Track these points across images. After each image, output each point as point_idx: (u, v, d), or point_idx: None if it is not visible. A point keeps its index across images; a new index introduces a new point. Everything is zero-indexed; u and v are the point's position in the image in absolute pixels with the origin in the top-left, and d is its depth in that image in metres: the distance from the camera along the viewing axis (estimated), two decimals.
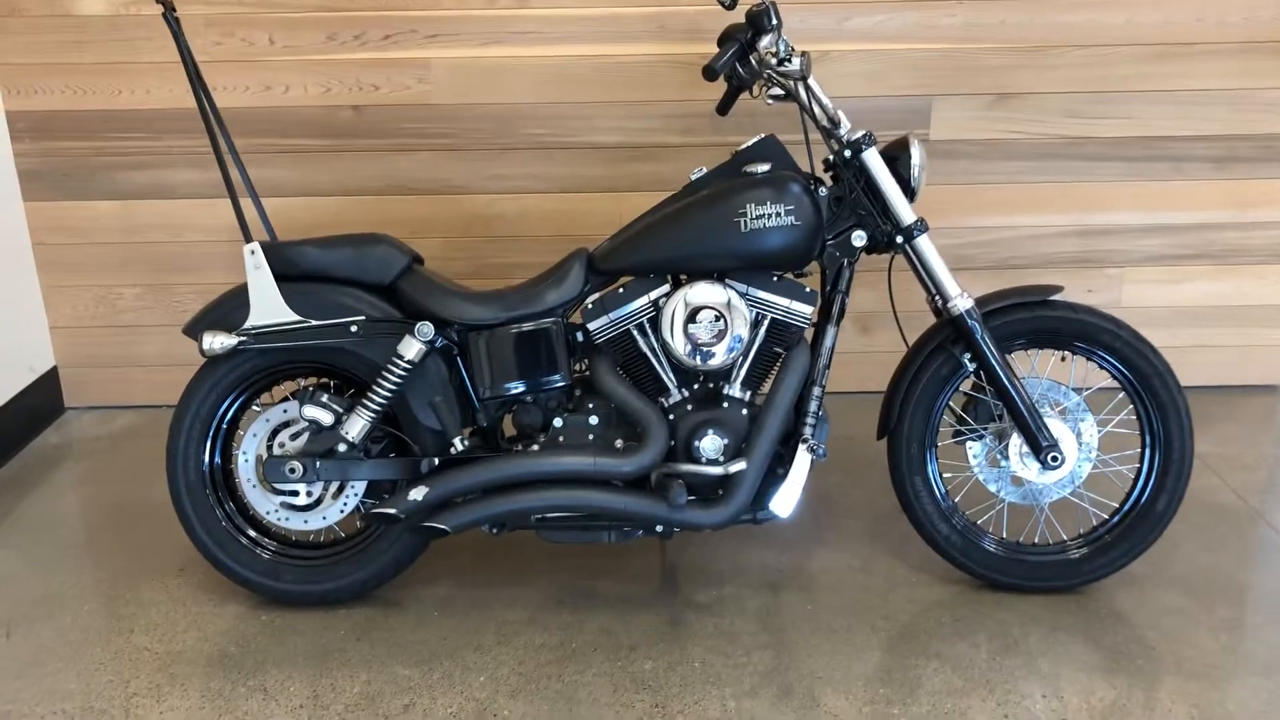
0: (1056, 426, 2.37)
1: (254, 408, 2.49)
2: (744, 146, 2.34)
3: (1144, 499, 2.43)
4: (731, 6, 2.28)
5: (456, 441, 2.36)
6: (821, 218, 2.26)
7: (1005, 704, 2.15)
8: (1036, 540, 2.54)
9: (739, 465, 2.30)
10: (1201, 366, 3.58)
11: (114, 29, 3.23)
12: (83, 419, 3.57)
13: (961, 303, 2.31)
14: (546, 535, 2.41)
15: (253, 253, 2.30)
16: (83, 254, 3.46)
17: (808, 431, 2.33)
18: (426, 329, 2.30)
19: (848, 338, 3.51)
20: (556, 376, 2.37)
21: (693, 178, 2.35)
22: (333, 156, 3.36)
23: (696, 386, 2.37)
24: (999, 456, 2.44)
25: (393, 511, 2.30)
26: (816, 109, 2.29)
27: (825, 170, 2.37)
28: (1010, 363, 2.35)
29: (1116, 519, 2.47)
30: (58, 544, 2.80)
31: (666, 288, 2.32)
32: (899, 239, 2.30)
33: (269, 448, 2.42)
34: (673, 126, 3.33)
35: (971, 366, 2.38)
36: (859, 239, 2.31)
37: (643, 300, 2.31)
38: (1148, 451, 2.43)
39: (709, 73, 2.21)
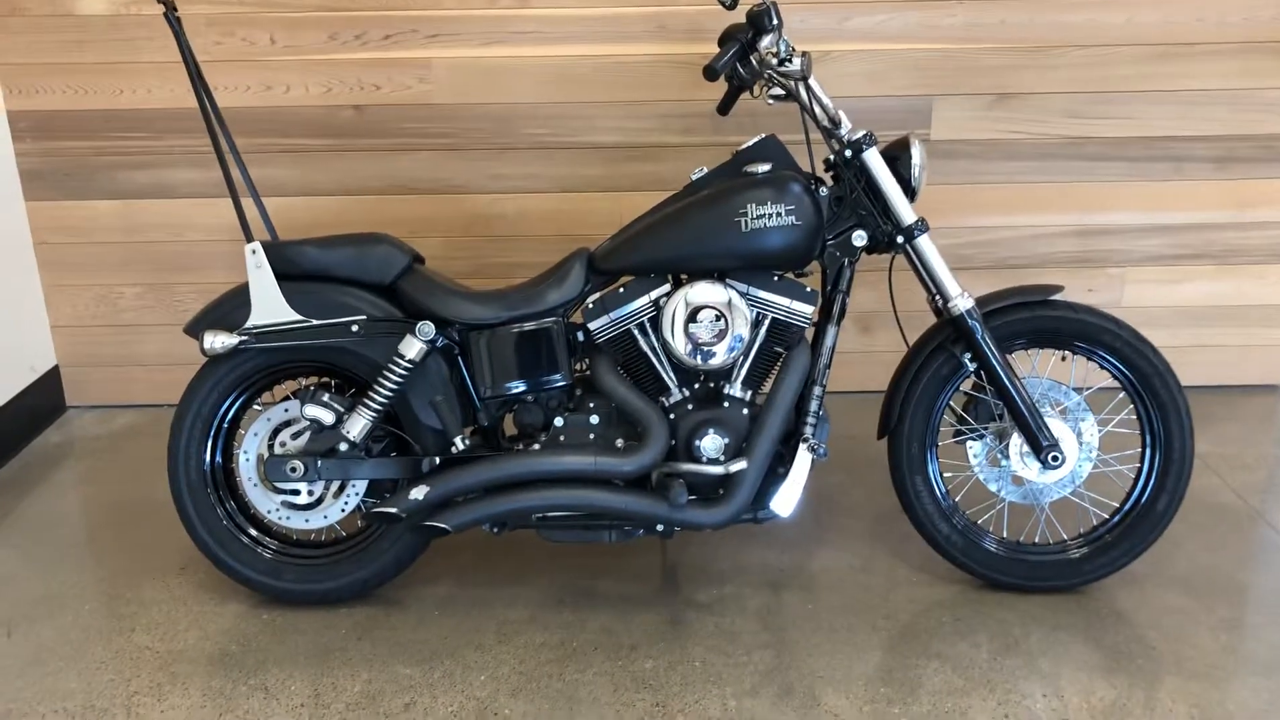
0: (1057, 426, 2.37)
1: (255, 407, 2.50)
2: (744, 146, 2.34)
3: (1144, 499, 2.43)
4: (732, 6, 2.29)
5: (457, 441, 2.36)
6: (822, 217, 2.26)
7: (1006, 703, 2.15)
8: (1037, 540, 2.54)
9: (739, 465, 2.30)
10: (1202, 366, 3.58)
11: (115, 29, 3.24)
12: (84, 418, 3.57)
13: (962, 302, 2.31)
14: (547, 534, 2.41)
15: (254, 252, 2.30)
16: (84, 253, 3.46)
17: (808, 431, 2.33)
18: (427, 328, 2.30)
19: (848, 337, 3.51)
20: (557, 376, 2.37)
21: (693, 177, 2.35)
22: (333, 156, 3.36)
23: (697, 386, 2.37)
24: (999, 456, 2.44)
25: (394, 510, 2.30)
26: (817, 109, 2.29)
27: (826, 170, 2.37)
28: (1011, 362, 2.35)
29: (1117, 519, 2.47)
30: (59, 543, 2.80)
31: (667, 287, 2.32)
32: (899, 239, 2.30)
33: (270, 447, 2.43)
34: (673, 126, 3.33)
35: (972, 366, 2.38)
36: (859, 239, 2.31)
37: (643, 300, 2.31)
38: (1148, 451, 2.43)
39: (709, 73, 2.21)
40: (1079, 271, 3.49)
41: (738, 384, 2.34)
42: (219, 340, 2.29)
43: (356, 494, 2.44)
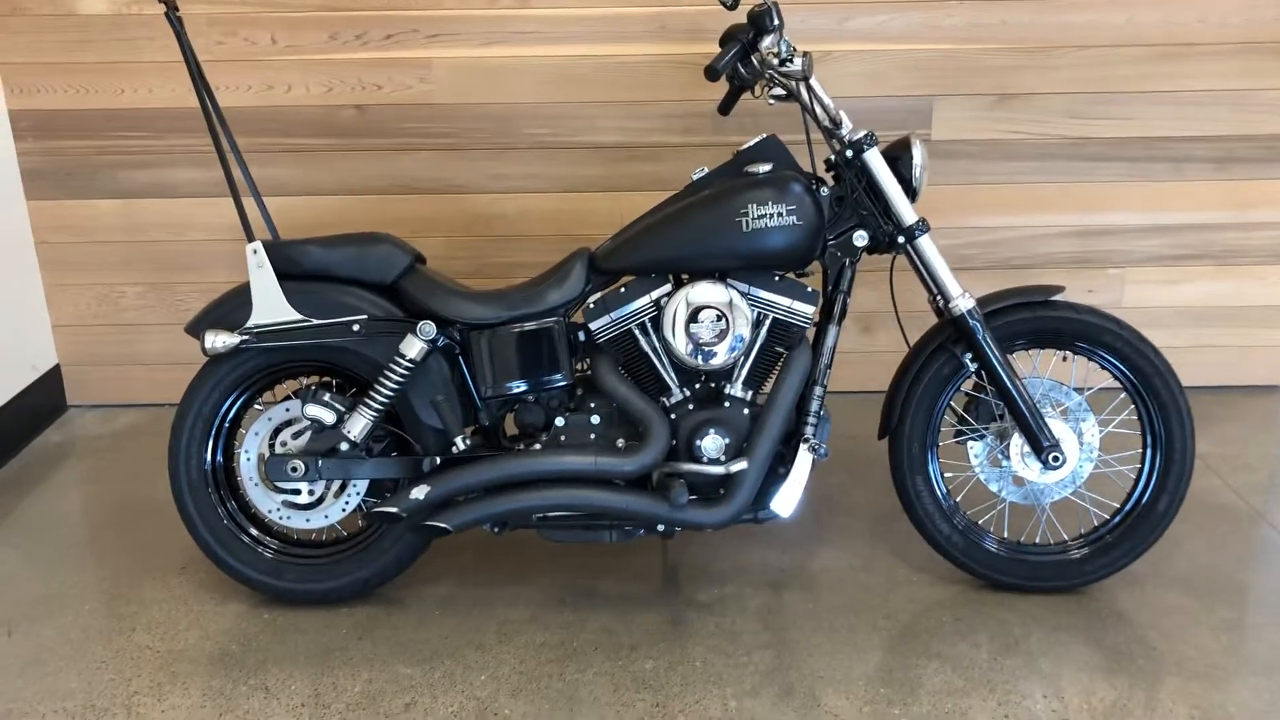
0: (1058, 426, 2.37)
1: (256, 406, 2.50)
2: (745, 146, 2.34)
3: (1145, 499, 2.43)
4: (733, 7, 2.28)
5: (458, 440, 2.36)
6: (823, 218, 2.26)
7: (1006, 704, 2.15)
8: (1038, 540, 2.54)
9: (740, 465, 2.30)
10: (1202, 367, 3.58)
11: (116, 28, 3.24)
12: (85, 417, 3.57)
13: (963, 303, 2.31)
14: (548, 534, 2.41)
15: (255, 251, 2.30)
16: (85, 253, 3.47)
17: (809, 431, 2.33)
18: (428, 328, 2.30)
19: (849, 337, 3.51)
20: (558, 376, 2.37)
21: (694, 177, 2.35)
22: (335, 156, 3.36)
23: (698, 386, 2.37)
24: (1000, 456, 2.44)
25: (395, 510, 2.30)
26: (818, 109, 2.29)
27: (827, 170, 2.37)
28: (1012, 363, 2.35)
29: (1118, 519, 2.47)
30: (59, 542, 2.80)
31: (668, 287, 2.32)
32: (900, 239, 2.30)
33: (271, 446, 2.43)
34: (674, 126, 3.33)
35: (973, 366, 2.38)
36: (860, 239, 2.31)
37: (644, 300, 2.31)
38: (1149, 452, 2.43)
39: (711, 73, 2.21)
40: (1080, 272, 3.49)
41: (739, 384, 2.34)
42: (220, 340, 2.29)
43: (357, 494, 2.44)
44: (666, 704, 2.16)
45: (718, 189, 2.28)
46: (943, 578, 2.56)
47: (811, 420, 2.33)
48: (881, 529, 2.79)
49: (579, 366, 2.43)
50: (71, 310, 3.53)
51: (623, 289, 2.33)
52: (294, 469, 2.36)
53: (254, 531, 2.49)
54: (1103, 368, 2.42)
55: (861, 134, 2.28)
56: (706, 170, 2.35)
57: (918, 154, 2.31)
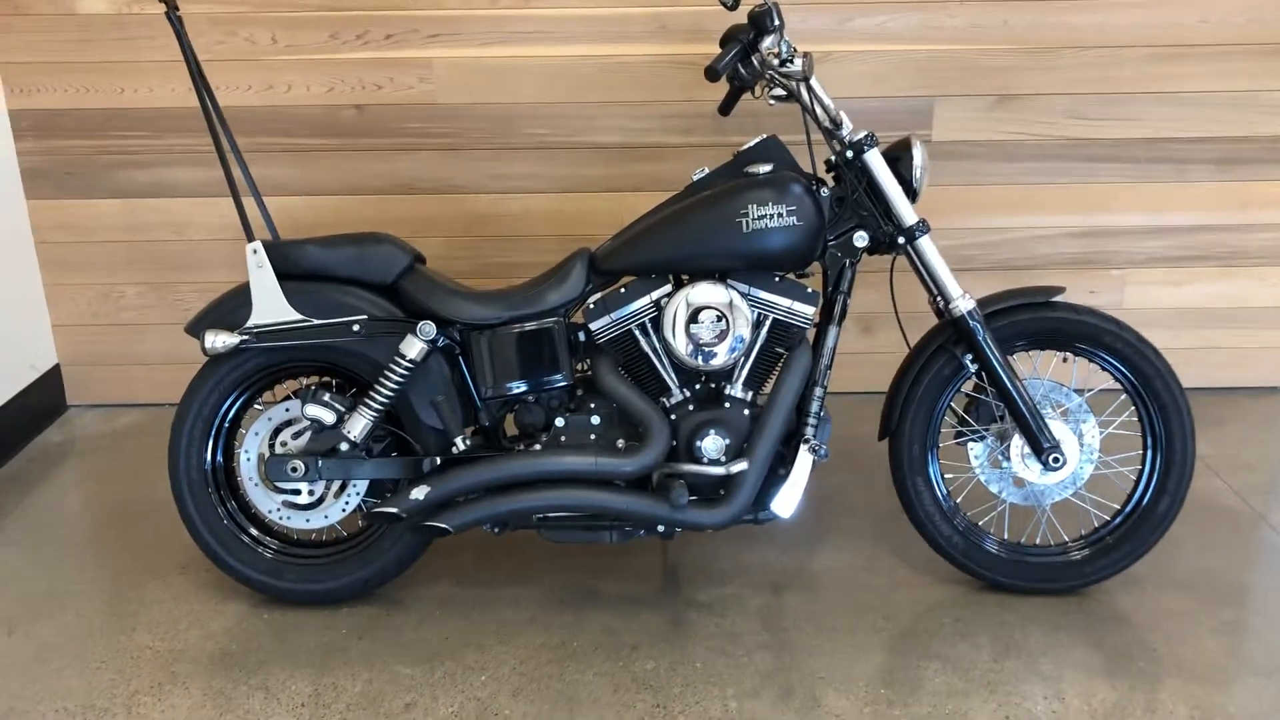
0: (1058, 428, 2.37)
1: (256, 406, 2.50)
2: (746, 147, 2.34)
3: (1146, 500, 2.43)
4: (734, 7, 2.28)
5: (458, 441, 2.36)
6: (823, 218, 2.26)
7: (1006, 705, 2.15)
8: (1038, 541, 2.54)
9: (740, 465, 2.30)
10: (1203, 368, 3.58)
11: (117, 28, 3.24)
12: (85, 417, 3.57)
13: (963, 304, 2.31)
14: (548, 535, 2.41)
15: (255, 251, 2.30)
16: (85, 252, 3.46)
17: (809, 432, 2.33)
18: (429, 328, 2.30)
19: (850, 338, 3.51)
20: (558, 376, 2.37)
21: (695, 178, 2.35)
22: (335, 156, 3.36)
23: (698, 387, 2.37)
24: (1001, 458, 2.44)
25: (395, 510, 2.30)
26: (818, 110, 2.29)
27: (827, 171, 2.37)
28: (1012, 364, 2.35)
29: (1118, 520, 2.47)
30: (60, 542, 2.80)
31: (668, 288, 2.32)
32: (901, 240, 2.30)
33: (271, 446, 2.43)
34: (674, 127, 3.33)
35: (973, 367, 2.38)
36: (861, 240, 2.31)
37: (645, 300, 2.31)
38: (1149, 453, 2.43)
39: (711, 73, 2.21)
40: (1081, 273, 3.49)
41: (739, 385, 2.34)
42: (220, 339, 2.29)
43: (357, 494, 2.44)
44: (667, 704, 2.16)
45: (718, 189, 2.28)
46: (943, 579, 2.56)
47: (812, 421, 2.33)
48: (882, 530, 2.78)
49: (579, 367, 2.43)
50: (71, 310, 3.53)
51: (623, 289, 2.33)
52: (294, 469, 2.36)
53: (254, 531, 2.49)
54: (1103, 369, 2.42)
55: (862, 135, 2.28)
56: (707, 170, 2.35)
57: (918, 155, 2.31)
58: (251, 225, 2.35)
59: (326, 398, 2.35)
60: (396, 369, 2.30)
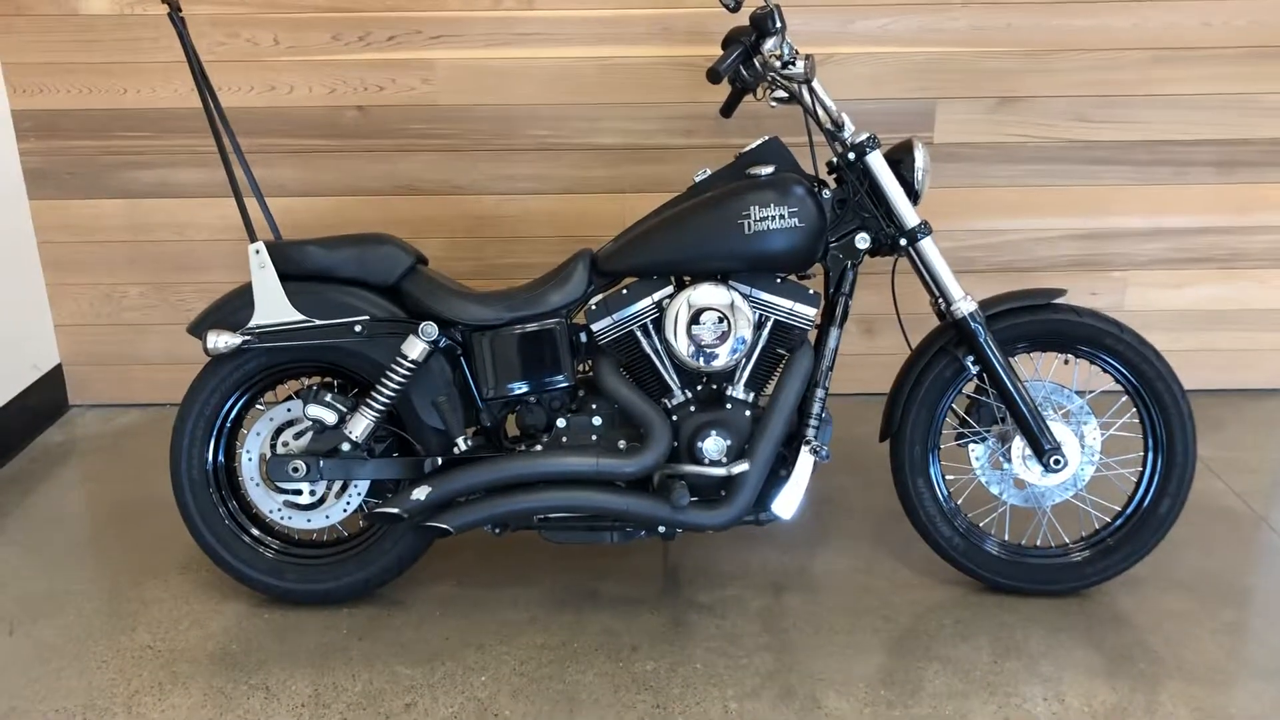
0: (1059, 429, 2.37)
1: (258, 406, 2.50)
2: (747, 149, 2.34)
3: (1147, 502, 2.43)
4: (736, 9, 2.28)
5: (460, 441, 2.36)
6: (825, 220, 2.26)
7: (1006, 707, 2.15)
8: (1039, 543, 2.54)
9: (742, 466, 2.30)
10: (1204, 370, 3.58)
11: (120, 28, 3.24)
12: (86, 417, 3.57)
13: (965, 305, 2.31)
14: (549, 535, 2.41)
15: (257, 252, 2.31)
16: (87, 252, 3.47)
17: (811, 433, 2.33)
18: (430, 329, 2.30)
19: (851, 340, 3.51)
20: (560, 377, 2.37)
21: (696, 179, 2.35)
22: (337, 157, 3.36)
23: (699, 388, 2.37)
24: (1002, 459, 2.44)
25: (396, 511, 2.30)
26: (820, 111, 2.29)
27: (829, 173, 2.37)
28: (1013, 365, 2.35)
29: (1119, 522, 2.47)
30: (61, 541, 2.80)
31: (670, 289, 2.32)
32: (902, 241, 2.31)
33: (272, 446, 2.43)
34: (676, 128, 3.33)
35: (974, 369, 2.38)
36: (862, 241, 2.31)
37: (646, 301, 2.31)
38: (1150, 455, 2.43)
39: (713, 75, 2.21)
40: (1082, 275, 3.49)
41: (740, 386, 2.34)
42: (222, 340, 2.29)
43: (359, 494, 2.44)
44: (667, 705, 2.16)
45: (720, 191, 2.28)
46: (944, 580, 2.56)
47: (813, 422, 2.34)
48: (883, 531, 2.79)
49: (581, 368, 2.43)
50: (74, 310, 3.53)
51: (625, 290, 2.33)
52: (295, 469, 2.36)
53: (255, 531, 2.50)
54: (1104, 371, 2.42)
55: (864, 136, 2.28)
56: (709, 172, 2.35)
57: (920, 157, 2.31)
58: (254, 226, 2.35)
59: (328, 398, 2.35)
60: (398, 370, 2.30)
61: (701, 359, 2.29)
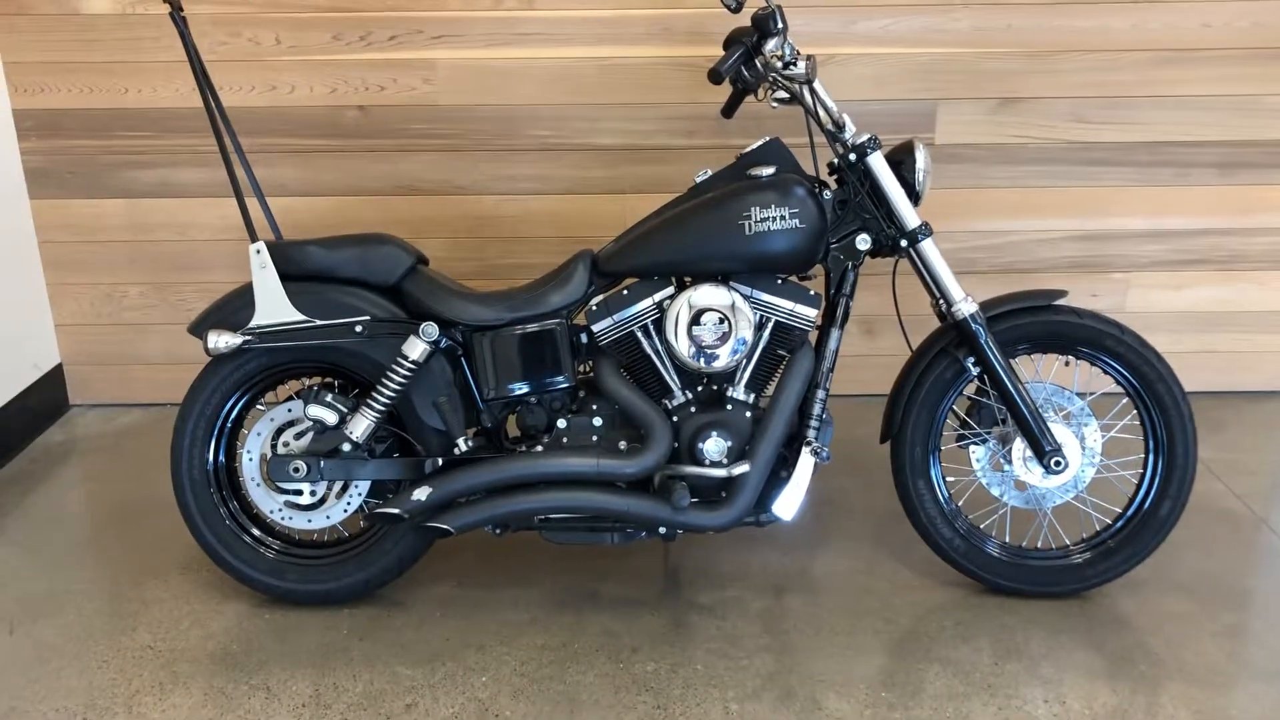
0: (1060, 431, 2.37)
1: (258, 406, 2.50)
2: (748, 149, 2.34)
3: (1147, 504, 2.43)
4: (737, 10, 2.28)
5: (460, 442, 2.36)
6: (826, 221, 2.26)
7: (1007, 708, 2.15)
8: (1039, 545, 2.54)
9: (742, 467, 2.30)
10: (1205, 372, 3.58)
11: (121, 28, 3.24)
12: (87, 416, 3.57)
13: (966, 307, 2.31)
14: (550, 536, 2.41)
15: (258, 252, 2.31)
16: (88, 252, 3.47)
17: (811, 434, 2.33)
18: (431, 329, 2.30)
19: (852, 341, 3.51)
20: (560, 378, 2.37)
21: (697, 180, 2.35)
22: (338, 156, 3.36)
23: (700, 389, 2.37)
24: (1002, 461, 2.44)
25: (396, 511, 2.30)
26: (821, 112, 2.29)
27: (830, 174, 2.37)
28: (1014, 367, 2.35)
29: (1120, 524, 2.47)
30: (61, 541, 2.80)
31: (671, 290, 2.32)
32: (903, 243, 2.30)
33: (273, 447, 2.43)
34: (677, 129, 3.33)
35: (975, 370, 2.38)
36: (863, 242, 2.31)
37: (647, 302, 2.31)
38: (1151, 456, 2.43)
39: (714, 76, 2.21)
40: (1083, 276, 3.49)
41: (741, 387, 2.34)
42: (223, 340, 2.29)
43: (359, 494, 2.44)
44: (667, 706, 2.16)
45: (721, 192, 2.28)
46: (944, 582, 2.56)
47: (814, 423, 2.33)
48: (883, 533, 2.78)
49: (581, 368, 2.43)
50: (74, 309, 3.53)
51: (625, 291, 2.33)
52: (296, 470, 2.36)
53: (256, 532, 2.50)
54: (1105, 372, 2.42)
55: (865, 137, 2.28)
56: (709, 173, 2.35)
57: (921, 158, 2.31)
58: (255, 226, 2.35)
59: (329, 398, 2.35)
60: (399, 370, 2.30)
61: (702, 360, 2.29)
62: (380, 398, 2.32)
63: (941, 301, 2.34)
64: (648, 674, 2.26)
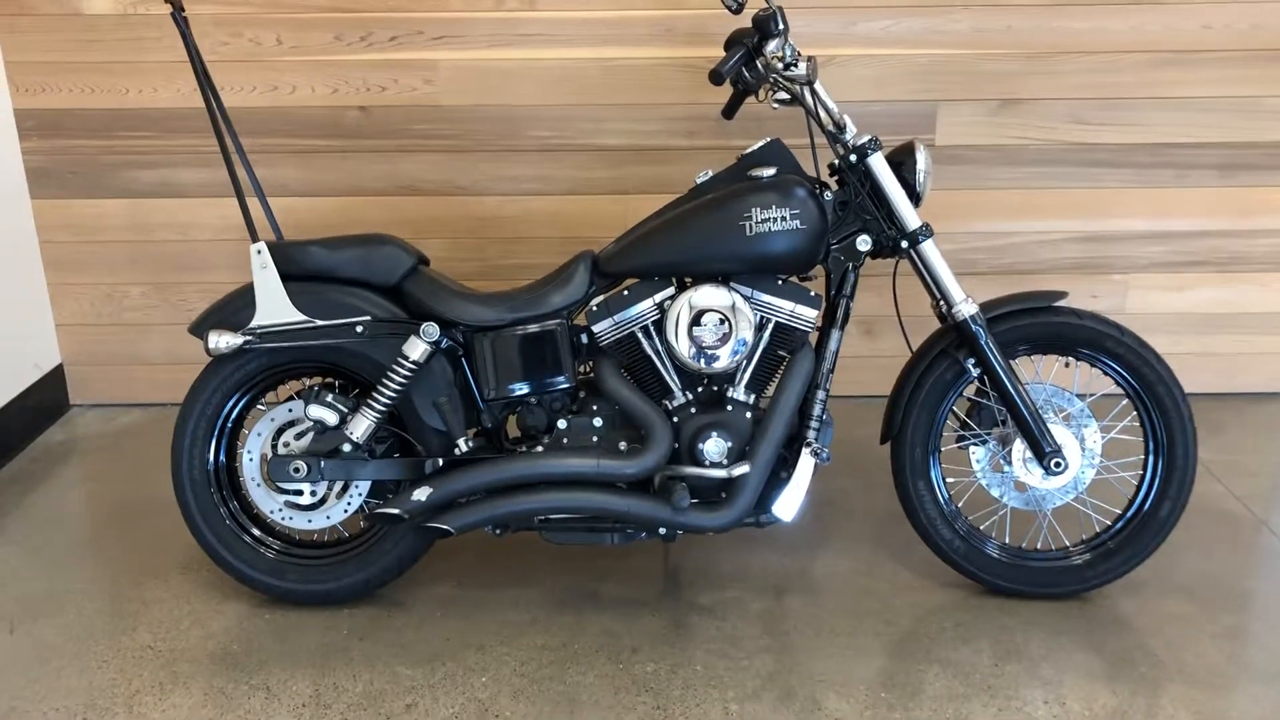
0: (1060, 432, 2.37)
1: (259, 407, 2.50)
2: (749, 150, 2.34)
3: (1147, 505, 2.43)
4: (738, 11, 2.28)
5: (461, 442, 2.36)
6: (826, 222, 2.26)
7: (1007, 710, 2.15)
8: (1039, 546, 2.54)
9: (742, 468, 2.30)
10: (1205, 373, 3.58)
11: (122, 28, 3.24)
12: (87, 416, 3.57)
13: (966, 308, 2.31)
14: (550, 536, 2.41)
15: (259, 252, 2.31)
16: (89, 252, 3.47)
17: (811, 435, 2.33)
18: (432, 330, 2.30)
19: (852, 342, 3.51)
20: (561, 378, 2.37)
21: (698, 181, 2.35)
22: (339, 157, 3.37)
23: (700, 389, 2.37)
24: (1002, 462, 2.44)
25: (396, 512, 2.30)
26: (822, 113, 2.29)
27: (830, 175, 2.37)
28: (1014, 368, 2.35)
29: (1120, 525, 2.47)
30: (62, 541, 2.81)
31: (671, 290, 2.32)
32: (904, 244, 2.31)
33: (274, 447, 2.43)
34: (678, 129, 3.33)
35: (975, 371, 2.38)
36: (864, 243, 2.31)
37: (647, 303, 2.32)
38: (1151, 458, 2.43)
39: (715, 77, 2.21)
40: (1083, 278, 3.49)
41: (741, 387, 2.34)
42: (224, 340, 2.29)
43: (359, 495, 2.44)
44: (667, 707, 2.16)
45: (721, 192, 2.28)
46: (944, 583, 2.56)
47: (814, 424, 2.34)
48: (883, 534, 2.79)
49: (582, 369, 2.43)
50: (75, 309, 3.53)
51: (626, 292, 2.34)
52: (296, 470, 2.36)
53: (256, 532, 2.50)
54: (1105, 374, 2.42)
55: (865, 138, 2.28)
56: (710, 173, 2.35)
57: (921, 159, 2.31)
58: (255, 226, 2.35)
59: (329, 399, 2.35)
60: (399, 370, 2.30)
61: (702, 360, 2.29)
62: (381, 398, 2.32)
63: (942, 303, 2.34)
64: (648, 674, 2.26)
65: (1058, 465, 2.36)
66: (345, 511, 2.45)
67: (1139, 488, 2.45)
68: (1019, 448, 2.39)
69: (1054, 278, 3.48)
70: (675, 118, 3.32)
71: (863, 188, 2.30)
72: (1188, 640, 2.36)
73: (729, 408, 2.34)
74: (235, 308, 2.34)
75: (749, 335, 2.28)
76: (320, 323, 2.32)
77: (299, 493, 2.43)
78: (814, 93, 2.27)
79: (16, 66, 3.28)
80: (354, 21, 3.23)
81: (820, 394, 2.34)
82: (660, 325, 2.32)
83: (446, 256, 3.31)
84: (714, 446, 2.32)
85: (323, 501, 2.44)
